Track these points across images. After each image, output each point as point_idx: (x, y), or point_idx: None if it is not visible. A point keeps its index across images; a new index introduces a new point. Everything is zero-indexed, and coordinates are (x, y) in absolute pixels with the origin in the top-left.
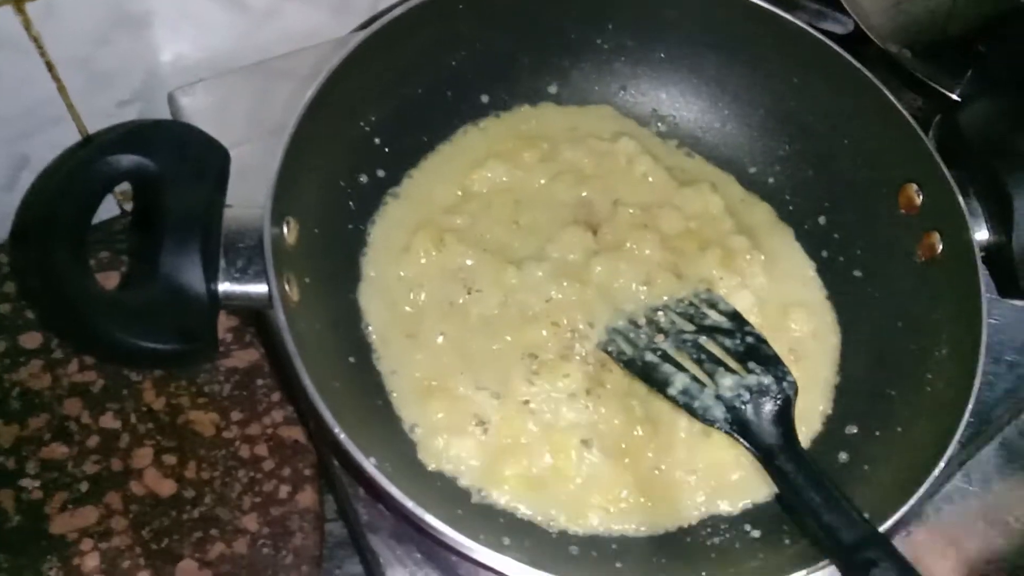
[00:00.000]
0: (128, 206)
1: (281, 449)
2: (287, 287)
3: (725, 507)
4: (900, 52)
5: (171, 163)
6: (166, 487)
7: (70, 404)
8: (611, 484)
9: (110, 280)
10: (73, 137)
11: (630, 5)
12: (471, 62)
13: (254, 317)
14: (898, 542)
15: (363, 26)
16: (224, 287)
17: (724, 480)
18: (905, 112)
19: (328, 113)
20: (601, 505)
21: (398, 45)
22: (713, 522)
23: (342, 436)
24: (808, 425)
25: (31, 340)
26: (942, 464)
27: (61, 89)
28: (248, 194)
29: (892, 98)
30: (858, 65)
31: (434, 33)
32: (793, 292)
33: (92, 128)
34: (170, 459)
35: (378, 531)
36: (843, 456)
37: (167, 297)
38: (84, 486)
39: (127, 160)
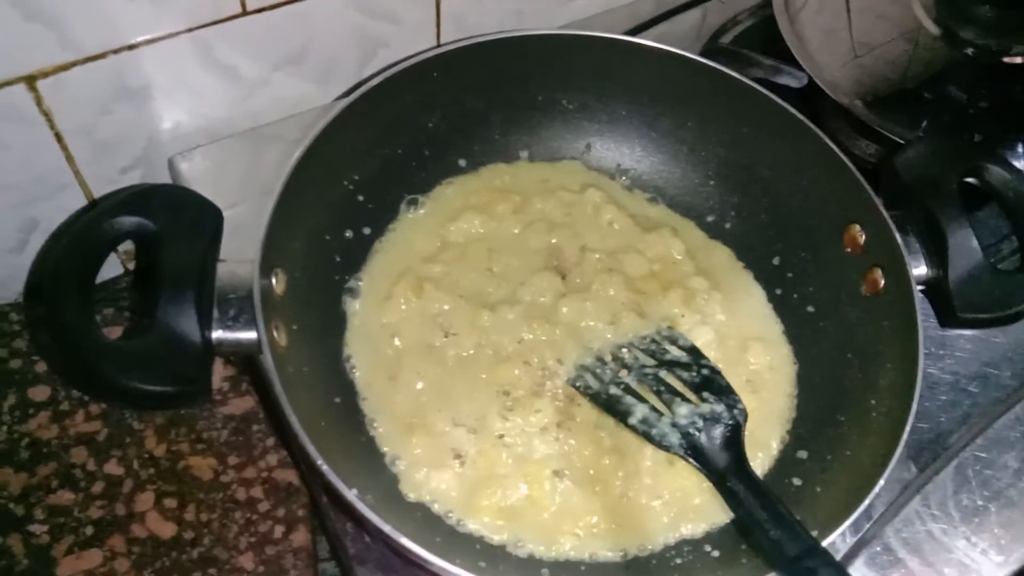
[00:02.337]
0: (131, 265)
1: (276, 491)
2: (275, 333)
3: (688, 530)
4: (852, 103)
5: (169, 223)
6: (167, 529)
7: (76, 452)
8: (582, 511)
9: (114, 334)
10: (80, 202)
11: (591, 68)
12: (446, 123)
13: (248, 366)
14: (857, 565)
15: (347, 93)
16: (217, 334)
17: (687, 505)
18: (845, 158)
19: (314, 173)
20: (572, 531)
21: (378, 109)
22: (677, 544)
23: (324, 467)
24: (765, 452)
25: (40, 393)
26: (882, 482)
27: (69, 158)
28: (243, 250)
29: (831, 144)
30: (801, 117)
31: (411, 98)
32: (750, 328)
33: (97, 192)
34: (171, 503)
35: (365, 563)
36: (797, 481)
37: (165, 344)
38: (89, 530)
39: (129, 221)
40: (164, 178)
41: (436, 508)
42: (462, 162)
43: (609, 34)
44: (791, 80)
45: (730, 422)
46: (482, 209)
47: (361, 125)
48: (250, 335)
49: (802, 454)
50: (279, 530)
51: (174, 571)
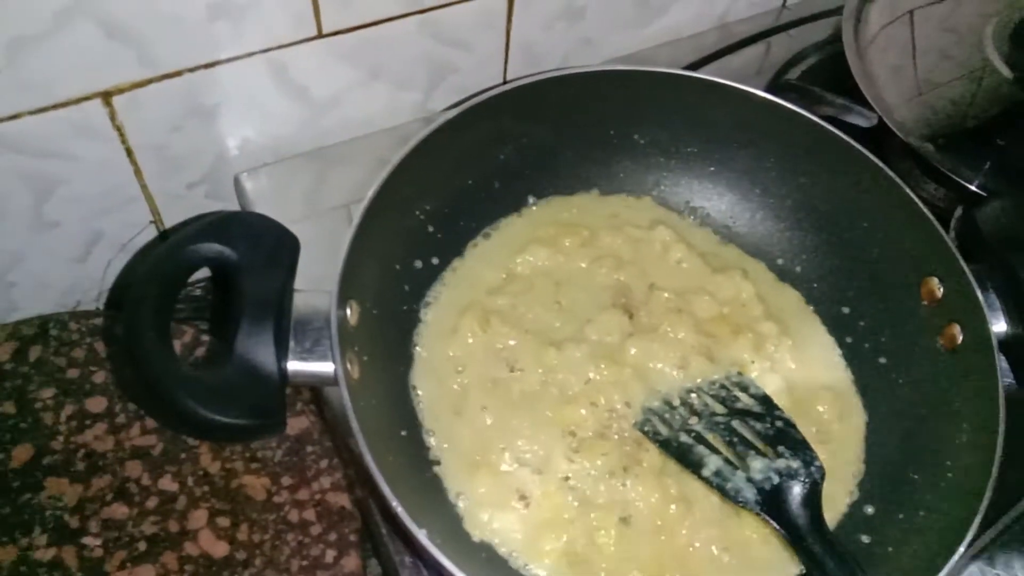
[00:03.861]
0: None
1: (328, 515)
2: (349, 365)
3: None
4: (922, 145)
5: (248, 251)
6: (219, 549)
7: (131, 466)
8: (648, 561)
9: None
10: (145, 216)
11: (665, 105)
12: (518, 156)
13: (310, 387)
14: None
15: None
16: (293, 366)
17: (754, 557)
18: (925, 208)
19: (389, 204)
20: None
21: (453, 142)
22: None
23: (399, 509)
24: (833, 507)
25: (97, 404)
26: (962, 549)
27: (137, 172)
28: (302, 268)
29: (912, 195)
30: (879, 162)
31: (485, 130)
32: (820, 376)
33: (163, 207)
34: (224, 521)
35: None
36: (865, 538)
37: (242, 375)
38: (142, 545)
39: (209, 248)
40: (229, 194)
41: (501, 550)
42: (531, 195)
43: (681, 71)
44: (860, 119)
45: (807, 480)
46: (549, 242)
47: (436, 157)
48: (326, 367)
49: (869, 510)
50: (330, 555)
51: None
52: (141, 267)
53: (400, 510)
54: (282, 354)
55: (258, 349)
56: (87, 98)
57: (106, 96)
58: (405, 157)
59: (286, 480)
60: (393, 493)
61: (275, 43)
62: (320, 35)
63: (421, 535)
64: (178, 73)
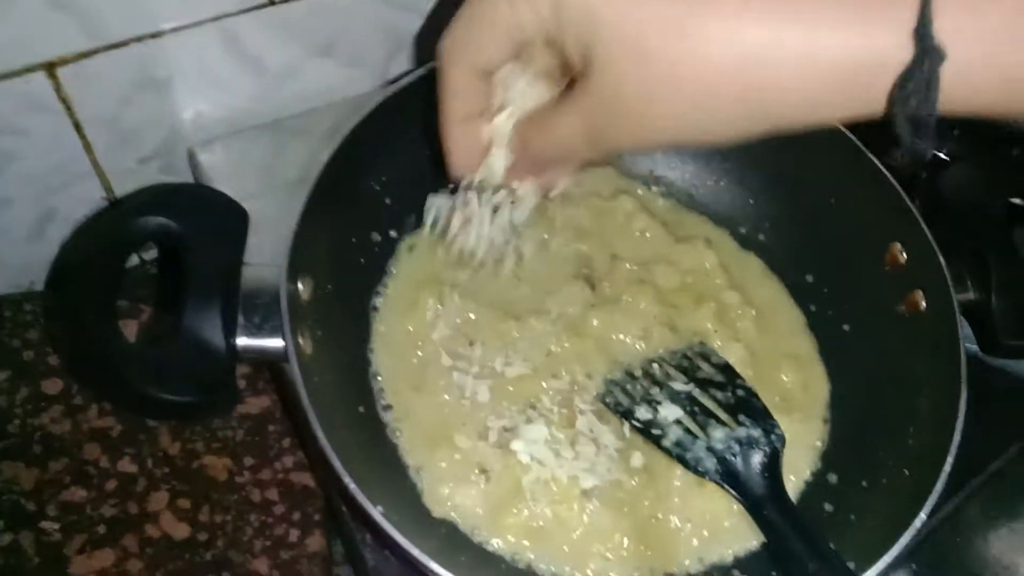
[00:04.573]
0: (146, 255)
1: (291, 494)
2: (301, 341)
3: (717, 554)
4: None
5: (195, 225)
6: (180, 530)
7: (89, 449)
8: (610, 532)
9: (129, 327)
10: (97, 192)
11: None
12: None
13: (267, 364)
14: None
15: (374, 87)
16: (242, 341)
17: (717, 528)
18: (890, 175)
19: (342, 174)
20: (601, 553)
21: (408, 109)
22: (706, 568)
23: (352, 487)
24: (796, 475)
25: (53, 386)
26: (923, 516)
27: (87, 147)
28: (260, 244)
29: (877, 162)
30: (843, 129)
31: None
32: (784, 345)
33: (116, 183)
34: (184, 503)
35: (384, 574)
36: (828, 506)
37: (189, 352)
38: (102, 529)
39: (154, 221)
40: (183, 168)
41: (461, 525)
42: None
43: None
44: None
45: (767, 448)
46: None
47: (392, 126)
48: (276, 342)
49: (833, 478)
50: (294, 534)
51: (187, 573)
52: (83, 242)
53: (353, 487)
54: (230, 329)
55: (205, 325)
56: (30, 70)
57: (50, 67)
58: (358, 126)
59: (248, 460)
60: (347, 470)
61: (225, 11)
62: (272, 2)
63: (377, 513)
64: (124, 43)
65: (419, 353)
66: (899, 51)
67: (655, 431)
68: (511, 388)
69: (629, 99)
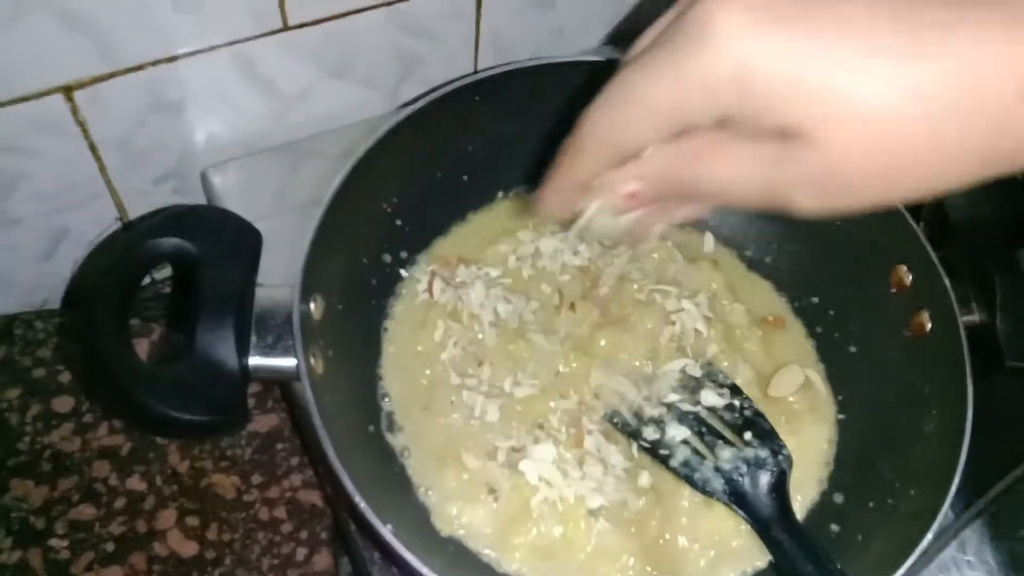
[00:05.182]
0: (157, 275)
1: (299, 512)
2: (313, 360)
3: (725, 574)
4: None
5: (208, 246)
6: (188, 548)
7: (99, 466)
8: (618, 553)
9: (140, 346)
10: (110, 212)
11: None
12: (486, 148)
13: (277, 383)
14: None
15: (387, 110)
16: (254, 361)
17: (725, 548)
18: None
19: (355, 197)
20: (608, 573)
21: (420, 132)
22: None
23: (362, 505)
24: (803, 495)
25: (63, 404)
26: (930, 536)
27: (101, 168)
28: (272, 264)
29: None
30: None
31: (452, 121)
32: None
33: (129, 204)
34: (193, 521)
35: None
36: (835, 527)
37: (202, 371)
38: (110, 546)
39: (168, 243)
40: (196, 190)
41: (469, 544)
42: (501, 188)
43: None
44: None
45: (775, 468)
46: (517, 234)
47: (403, 149)
48: (288, 362)
49: (839, 498)
50: (301, 552)
51: None
52: (98, 262)
53: (363, 505)
54: (243, 349)
55: (218, 344)
56: (48, 93)
57: (67, 91)
58: (370, 149)
59: (256, 478)
60: (357, 488)
61: (239, 36)
62: (286, 28)
63: (386, 530)
64: (140, 67)
65: (428, 373)
66: None
67: (662, 451)
68: (519, 408)
69: (863, 172)
